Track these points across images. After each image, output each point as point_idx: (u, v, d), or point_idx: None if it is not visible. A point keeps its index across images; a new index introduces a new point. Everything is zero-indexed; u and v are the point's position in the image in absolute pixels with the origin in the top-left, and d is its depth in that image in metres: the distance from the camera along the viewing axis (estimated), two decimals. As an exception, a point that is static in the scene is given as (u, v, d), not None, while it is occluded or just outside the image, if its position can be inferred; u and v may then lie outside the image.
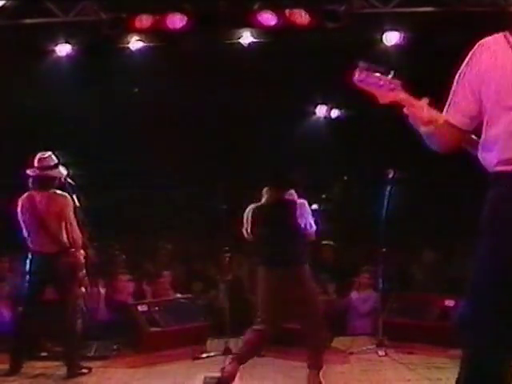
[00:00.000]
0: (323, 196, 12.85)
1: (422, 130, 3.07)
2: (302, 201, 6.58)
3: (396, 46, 9.20)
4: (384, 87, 3.16)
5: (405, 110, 3.13)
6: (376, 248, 8.11)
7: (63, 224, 7.04)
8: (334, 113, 12.42)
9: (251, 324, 6.74)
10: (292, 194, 6.62)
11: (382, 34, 9.16)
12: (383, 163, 8.46)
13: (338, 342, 8.34)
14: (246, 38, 9.17)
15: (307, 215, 6.55)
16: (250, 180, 11.36)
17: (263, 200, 6.72)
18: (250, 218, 6.71)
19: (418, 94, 3.21)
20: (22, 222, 7.15)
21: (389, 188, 7.89)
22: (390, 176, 7.89)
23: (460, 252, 10.20)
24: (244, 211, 6.86)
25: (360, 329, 9.07)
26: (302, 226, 6.50)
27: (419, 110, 3.06)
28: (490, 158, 2.84)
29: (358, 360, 7.60)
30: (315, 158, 11.77)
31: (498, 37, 2.92)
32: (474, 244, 2.90)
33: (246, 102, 11.03)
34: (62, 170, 7.20)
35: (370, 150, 10.81)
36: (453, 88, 3.02)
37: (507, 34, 2.89)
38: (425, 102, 3.11)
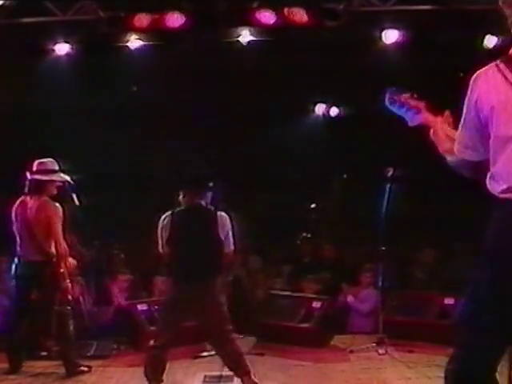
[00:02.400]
0: (322, 194, 12.86)
1: (447, 158, 3.17)
2: (222, 213, 6.20)
3: (395, 44, 9.19)
4: (412, 109, 3.30)
5: (431, 134, 3.25)
6: (376, 246, 8.11)
7: (51, 233, 7.01)
8: (333, 111, 12.42)
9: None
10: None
11: (381, 32, 9.15)
12: (382, 161, 8.46)
13: (338, 341, 8.36)
14: (245, 36, 9.16)
15: (228, 229, 6.15)
16: (249, 179, 11.39)
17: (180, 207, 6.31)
18: (165, 226, 6.19)
19: (417, 93, 3.23)
20: (13, 227, 7.16)
21: (388, 186, 7.89)
22: (390, 174, 7.89)
23: (460, 251, 10.21)
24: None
25: (360, 327, 9.07)
26: (222, 238, 6.09)
27: (441, 138, 3.18)
28: (495, 187, 2.90)
29: (358, 358, 7.61)
30: (314, 156, 11.77)
31: (491, 67, 2.92)
32: (476, 256, 3.00)
33: (245, 101, 11.02)
34: (60, 177, 7.18)
35: (369, 148, 10.81)
36: (461, 122, 3.06)
37: (499, 63, 2.90)
38: (446, 118, 3.24)
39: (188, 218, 6.23)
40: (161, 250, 6.26)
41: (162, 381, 6.15)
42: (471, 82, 2.95)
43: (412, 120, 3.30)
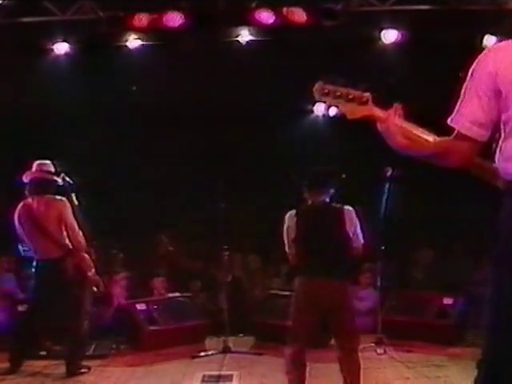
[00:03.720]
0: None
1: (399, 144, 2.97)
2: (349, 208, 6.01)
3: (394, 44, 9.19)
4: (354, 101, 3.00)
5: (378, 125, 3.02)
6: (375, 246, 8.12)
7: (63, 227, 7.01)
8: (332, 111, 12.41)
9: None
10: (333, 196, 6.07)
11: (380, 32, 9.16)
12: (381, 161, 8.46)
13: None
14: (244, 36, 9.17)
15: (355, 223, 5.95)
16: (249, 179, 11.38)
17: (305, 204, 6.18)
18: (291, 226, 6.03)
19: (416, 92, 3.22)
20: (20, 232, 7.14)
21: (387, 186, 7.90)
22: (389, 174, 7.90)
23: (459, 251, 10.22)
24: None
25: (359, 327, 9.07)
26: (350, 235, 5.89)
27: (393, 127, 2.94)
28: (507, 168, 2.73)
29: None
30: (313, 155, 11.76)
31: (510, 42, 2.77)
32: (493, 256, 2.76)
33: (245, 101, 11.01)
34: (59, 180, 7.19)
35: (368, 148, 10.80)
36: (463, 97, 2.80)
37: None
38: (396, 109, 2.98)
39: (314, 216, 6.05)
40: (287, 249, 6.06)
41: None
42: (487, 53, 2.79)
43: (352, 113, 3.01)
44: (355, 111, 3.00)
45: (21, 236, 7.20)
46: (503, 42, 2.81)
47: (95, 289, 7.23)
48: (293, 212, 6.07)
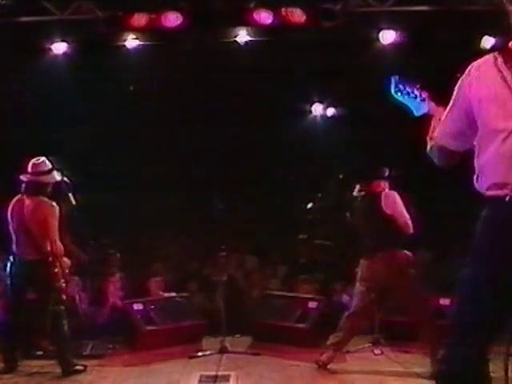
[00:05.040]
0: (319, 194, 12.85)
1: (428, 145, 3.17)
2: (388, 192, 6.98)
3: (392, 44, 9.20)
4: (417, 99, 3.30)
5: (433, 122, 3.21)
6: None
7: (47, 232, 7.01)
8: (330, 111, 12.42)
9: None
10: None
11: (378, 32, 9.16)
12: (379, 161, 8.46)
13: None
14: (243, 36, 9.16)
15: (395, 205, 6.87)
16: (246, 179, 11.38)
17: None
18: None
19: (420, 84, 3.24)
20: (10, 226, 7.16)
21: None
22: (386, 174, 7.89)
23: (455, 252, 10.21)
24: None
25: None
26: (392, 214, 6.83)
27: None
28: (481, 183, 2.87)
29: (354, 359, 7.62)
30: (311, 156, 11.77)
31: (488, 58, 2.88)
32: (467, 257, 2.96)
33: (243, 101, 11.02)
34: (56, 176, 7.18)
35: (366, 149, 10.81)
36: (447, 108, 3.03)
37: (497, 54, 2.86)
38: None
39: (362, 204, 7.18)
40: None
41: None
42: (466, 70, 2.93)
43: (418, 109, 3.30)
44: (419, 108, 3.30)
45: (9, 229, 7.21)
46: (482, 59, 2.92)
47: (64, 296, 7.22)
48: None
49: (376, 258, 6.84)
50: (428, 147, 3.12)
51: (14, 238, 7.15)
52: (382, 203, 6.87)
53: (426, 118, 3.28)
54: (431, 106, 3.28)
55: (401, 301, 6.93)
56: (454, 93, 2.96)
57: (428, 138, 3.15)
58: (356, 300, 7.07)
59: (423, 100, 3.28)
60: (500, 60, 2.82)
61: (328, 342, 7.08)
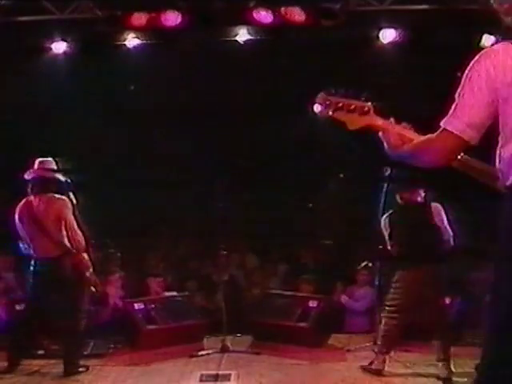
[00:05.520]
0: (319, 194, 12.86)
1: (402, 151, 3.01)
2: (436, 204, 6.94)
3: (392, 43, 9.20)
4: (355, 112, 3.05)
5: (380, 134, 3.06)
6: (373, 245, 8.11)
7: (63, 227, 6.99)
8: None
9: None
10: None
11: (378, 31, 9.16)
12: (380, 161, 8.46)
13: (335, 340, 8.37)
14: (242, 35, 9.17)
15: (442, 217, 6.88)
16: (247, 179, 11.38)
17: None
18: (386, 225, 7.07)
19: (414, 92, 3.22)
20: (20, 230, 7.12)
21: (385, 186, 7.89)
22: (387, 174, 7.89)
23: (456, 250, 10.20)
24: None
25: (357, 326, 9.08)
26: (440, 226, 6.85)
27: (393, 135, 3.02)
28: (506, 172, 2.72)
29: (355, 357, 7.61)
30: (311, 155, 11.77)
31: (504, 46, 2.74)
32: (495, 258, 2.78)
33: (243, 100, 11.02)
34: (61, 177, 7.18)
35: (367, 148, 10.80)
36: (459, 99, 2.80)
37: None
38: (403, 127, 3.05)
39: (410, 214, 7.02)
40: (389, 246, 7.08)
41: None
42: (482, 56, 2.77)
43: (352, 123, 3.08)
44: (356, 121, 3.06)
45: (21, 234, 7.18)
46: (498, 45, 2.79)
47: (93, 289, 7.21)
48: (388, 213, 7.16)
49: (423, 270, 6.76)
50: (413, 149, 2.95)
51: (29, 241, 7.10)
52: (433, 215, 6.90)
53: (365, 131, 3.11)
54: (370, 119, 3.07)
55: (420, 304, 6.86)
56: (471, 82, 2.76)
57: (396, 148, 3.01)
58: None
59: (364, 113, 3.05)
60: None
61: None
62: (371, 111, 3.05)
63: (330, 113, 3.10)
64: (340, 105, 3.07)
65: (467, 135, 2.77)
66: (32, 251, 7.08)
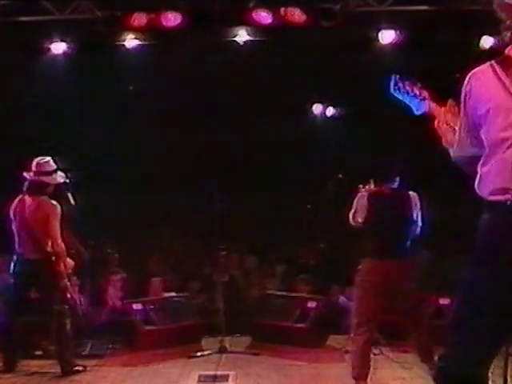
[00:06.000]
0: (317, 194, 12.85)
1: (450, 150, 3.15)
2: (413, 193, 6.54)
3: (391, 44, 9.19)
4: (417, 97, 3.29)
5: (435, 124, 3.23)
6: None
7: (48, 232, 7.01)
8: (329, 111, 12.43)
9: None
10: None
11: (378, 32, 9.15)
12: (378, 161, 8.46)
13: (334, 341, 8.36)
14: (242, 36, 9.16)
15: (418, 208, 6.51)
16: (245, 179, 11.39)
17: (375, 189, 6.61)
18: (363, 204, 6.49)
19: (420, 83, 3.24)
20: (12, 225, 7.16)
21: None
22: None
23: (455, 251, 10.21)
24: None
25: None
26: (414, 218, 6.46)
27: (445, 128, 3.17)
28: (483, 189, 2.88)
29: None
30: (310, 156, 11.77)
31: (486, 68, 2.88)
32: (468, 259, 2.95)
33: (242, 101, 11.02)
34: (59, 177, 7.18)
35: (365, 148, 10.82)
36: (459, 121, 3.02)
37: (494, 63, 2.86)
38: (450, 107, 3.19)
39: (385, 201, 6.52)
40: (351, 221, 6.59)
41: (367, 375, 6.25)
42: (465, 81, 2.93)
43: (418, 108, 3.29)
44: (419, 107, 3.30)
45: (12, 229, 7.22)
46: (483, 66, 2.91)
47: (68, 295, 7.21)
48: (364, 194, 6.52)
49: (402, 262, 6.39)
50: (451, 154, 3.11)
51: (16, 237, 7.16)
52: (408, 204, 6.50)
53: (427, 117, 3.28)
54: (431, 105, 3.27)
55: (400, 303, 6.55)
56: (461, 104, 2.97)
57: (444, 143, 3.16)
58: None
59: (423, 99, 3.27)
60: (498, 69, 2.83)
61: None
62: (428, 98, 3.30)
63: (399, 95, 3.32)
64: (407, 89, 3.32)
65: (472, 153, 2.97)
66: (16, 246, 7.12)
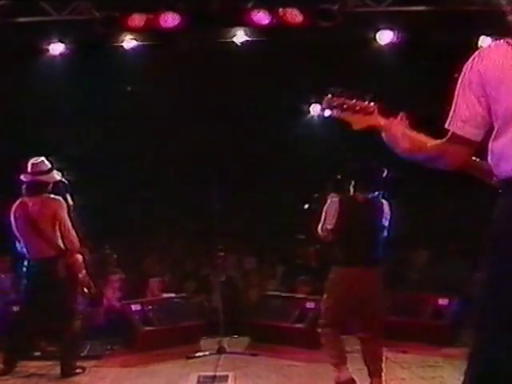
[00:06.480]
0: (315, 195, 12.85)
1: (415, 154, 3.04)
2: (386, 202, 6.40)
3: (389, 44, 9.20)
4: (360, 112, 3.16)
5: (383, 134, 3.12)
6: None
7: (57, 227, 6.99)
8: (327, 112, 12.42)
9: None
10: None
11: (376, 32, 9.16)
12: (377, 162, 8.46)
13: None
14: (240, 36, 9.16)
15: (388, 217, 6.36)
16: (244, 179, 11.39)
17: (348, 195, 6.45)
18: (333, 212, 6.30)
19: (411, 93, 3.24)
20: (15, 230, 7.12)
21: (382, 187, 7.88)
22: (384, 175, 7.88)
23: (454, 251, 10.23)
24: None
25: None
26: (385, 227, 6.33)
27: (398, 133, 3.05)
28: (502, 167, 2.75)
29: (351, 359, 7.58)
30: (309, 156, 11.78)
31: (500, 44, 2.80)
32: (487, 251, 2.76)
33: (240, 102, 11.02)
34: (56, 175, 7.17)
35: (363, 149, 10.82)
36: (455, 99, 2.87)
37: (509, 40, 2.79)
38: (401, 120, 3.09)
39: (357, 206, 6.36)
40: (320, 231, 6.39)
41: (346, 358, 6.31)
42: (477, 54, 2.83)
43: (357, 123, 3.17)
44: (361, 122, 3.17)
45: (16, 234, 7.18)
46: (491, 43, 2.87)
47: (86, 290, 7.20)
48: (335, 199, 6.37)
49: (371, 270, 6.23)
50: (428, 155, 2.98)
51: (22, 241, 7.09)
52: (380, 213, 6.35)
53: (370, 131, 3.18)
54: (374, 119, 3.14)
55: (366, 316, 6.32)
56: (464, 80, 2.83)
57: (401, 151, 3.04)
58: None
59: (369, 113, 3.14)
60: None
61: None
62: (375, 112, 3.15)
63: (336, 113, 3.20)
64: (346, 106, 3.19)
65: (465, 132, 2.82)
66: (26, 251, 7.08)
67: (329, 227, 6.30)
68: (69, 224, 7.00)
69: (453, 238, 10.25)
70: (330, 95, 3.22)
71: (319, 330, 6.39)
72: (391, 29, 9.10)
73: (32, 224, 7.01)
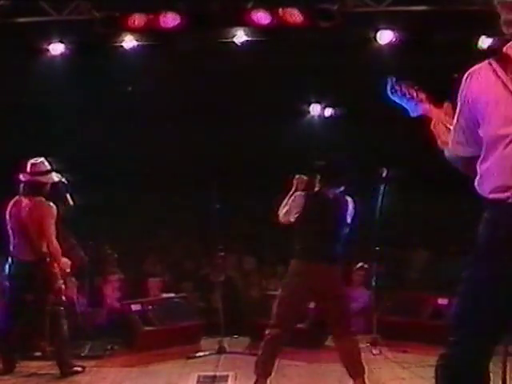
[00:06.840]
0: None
1: (445, 151, 3.15)
2: (348, 198, 6.28)
3: (389, 44, 9.20)
4: (413, 100, 3.31)
5: (432, 125, 3.23)
6: (370, 246, 8.12)
7: (44, 232, 7.00)
8: (327, 111, 12.43)
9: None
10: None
11: (376, 32, 9.15)
12: (377, 162, 8.47)
13: (332, 341, 8.35)
14: (240, 36, 9.16)
15: (351, 213, 6.25)
16: (244, 179, 11.38)
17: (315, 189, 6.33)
18: (297, 206, 6.22)
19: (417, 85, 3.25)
20: (8, 226, 7.16)
21: (382, 187, 7.90)
22: (384, 175, 7.90)
23: (453, 251, 10.23)
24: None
25: (353, 327, 9.06)
26: (348, 224, 6.23)
27: (441, 130, 3.18)
28: (483, 187, 2.88)
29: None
30: (310, 156, 11.77)
31: (484, 66, 2.90)
32: (469, 258, 2.96)
33: (240, 102, 11.02)
34: (54, 177, 7.18)
35: (363, 149, 10.83)
36: (455, 119, 3.03)
37: (492, 61, 2.88)
38: (446, 109, 3.22)
39: (321, 202, 6.26)
40: (281, 218, 6.36)
41: (270, 374, 6.13)
42: (464, 79, 2.94)
43: (414, 110, 3.30)
44: (415, 110, 3.32)
45: (7, 230, 7.21)
46: (481, 64, 2.94)
47: (63, 298, 7.21)
48: (302, 193, 6.29)
49: (330, 267, 6.11)
50: (446, 154, 3.12)
51: (11, 238, 7.15)
52: (347, 210, 6.22)
53: (423, 119, 3.28)
54: (428, 107, 3.28)
55: (331, 316, 6.23)
56: (458, 102, 2.97)
57: (440, 143, 3.17)
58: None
59: (419, 101, 3.28)
60: (496, 66, 2.84)
61: None
62: (425, 100, 3.33)
63: (396, 98, 3.34)
64: (403, 92, 3.34)
65: (467, 153, 3.00)
66: (11, 248, 7.12)
67: (292, 220, 6.25)
68: (51, 232, 6.97)
69: (453, 238, 10.26)
70: (393, 78, 3.36)
71: (267, 332, 6.20)
72: (391, 29, 9.10)
73: (21, 225, 7.05)
